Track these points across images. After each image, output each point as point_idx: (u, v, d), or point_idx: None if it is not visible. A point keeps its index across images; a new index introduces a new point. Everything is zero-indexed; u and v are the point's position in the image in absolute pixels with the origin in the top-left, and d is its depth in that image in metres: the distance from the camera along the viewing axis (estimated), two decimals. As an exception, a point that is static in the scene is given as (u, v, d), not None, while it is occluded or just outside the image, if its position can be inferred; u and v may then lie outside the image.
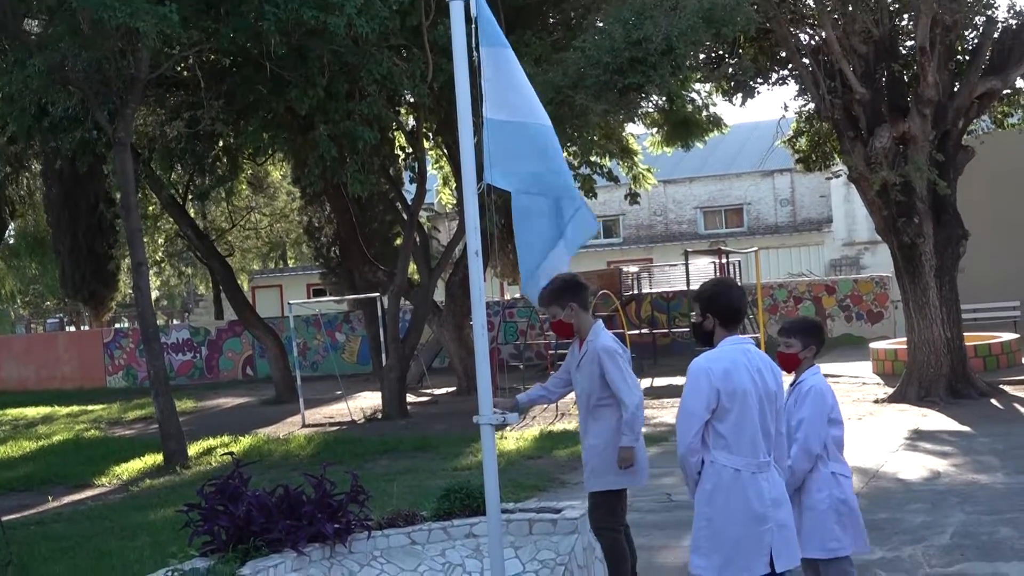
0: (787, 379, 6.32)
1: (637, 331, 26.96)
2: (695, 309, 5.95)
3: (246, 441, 18.88)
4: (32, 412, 28.06)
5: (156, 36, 14.89)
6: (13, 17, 16.28)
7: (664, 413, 18.99)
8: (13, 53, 16.41)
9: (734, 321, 5.81)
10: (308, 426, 21.10)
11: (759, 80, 20.45)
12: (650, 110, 24.82)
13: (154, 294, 41.21)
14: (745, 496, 5.62)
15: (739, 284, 6.01)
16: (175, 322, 51.93)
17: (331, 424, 21.33)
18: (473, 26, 6.12)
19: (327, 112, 17.78)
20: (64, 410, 27.97)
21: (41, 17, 17.47)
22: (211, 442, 18.96)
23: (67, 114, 18.56)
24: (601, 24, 18.88)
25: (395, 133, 23.86)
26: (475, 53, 6.16)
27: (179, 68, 19.57)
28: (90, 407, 28.18)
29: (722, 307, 5.78)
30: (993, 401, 17.78)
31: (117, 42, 15.65)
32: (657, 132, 26.65)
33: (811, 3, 18.93)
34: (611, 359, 7.15)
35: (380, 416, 21.55)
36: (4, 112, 18.40)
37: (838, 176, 22.33)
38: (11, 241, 43.07)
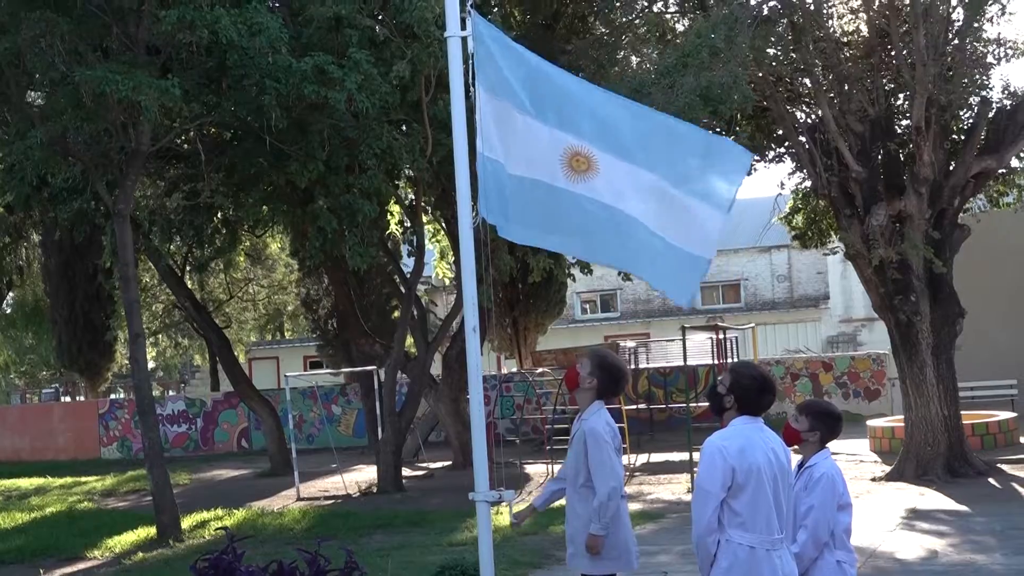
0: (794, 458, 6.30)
1: (634, 406, 26.89)
2: (725, 379, 5.96)
3: (240, 514, 18.75)
4: (26, 483, 27.89)
5: (158, 110, 15.01)
6: (17, 89, 16.42)
7: (660, 489, 18.89)
8: (15, 124, 16.54)
9: (752, 414, 5.85)
10: (303, 499, 20.97)
11: (756, 157, 20.60)
12: (648, 186, 24.91)
13: (151, 365, 41.16)
14: (760, 573, 5.60)
15: (774, 387, 5.99)
16: (171, 393, 51.78)
17: (326, 498, 21.19)
18: (470, 64, 6.21)
19: (327, 185, 17.87)
20: (58, 481, 27.80)
21: (44, 89, 17.62)
22: (205, 515, 18.82)
23: (67, 185, 18.66)
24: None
25: (392, 207, 23.96)
26: (471, 89, 6.23)
27: (180, 141, 19.70)
28: (84, 478, 28.01)
29: (747, 400, 5.84)
30: (991, 480, 17.70)
31: (119, 115, 15.76)
32: (655, 208, 26.74)
33: (807, 82, 19.12)
34: (595, 443, 6.98)
35: (375, 490, 21.42)
36: (3, 182, 18.50)
37: (835, 252, 22.41)
38: (8, 311, 43.10)
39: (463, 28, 6.32)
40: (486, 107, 6.27)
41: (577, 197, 6.27)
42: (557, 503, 7.37)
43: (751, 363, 6.14)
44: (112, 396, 46.62)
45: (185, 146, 20.13)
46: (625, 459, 22.83)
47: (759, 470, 5.63)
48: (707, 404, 6.12)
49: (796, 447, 6.63)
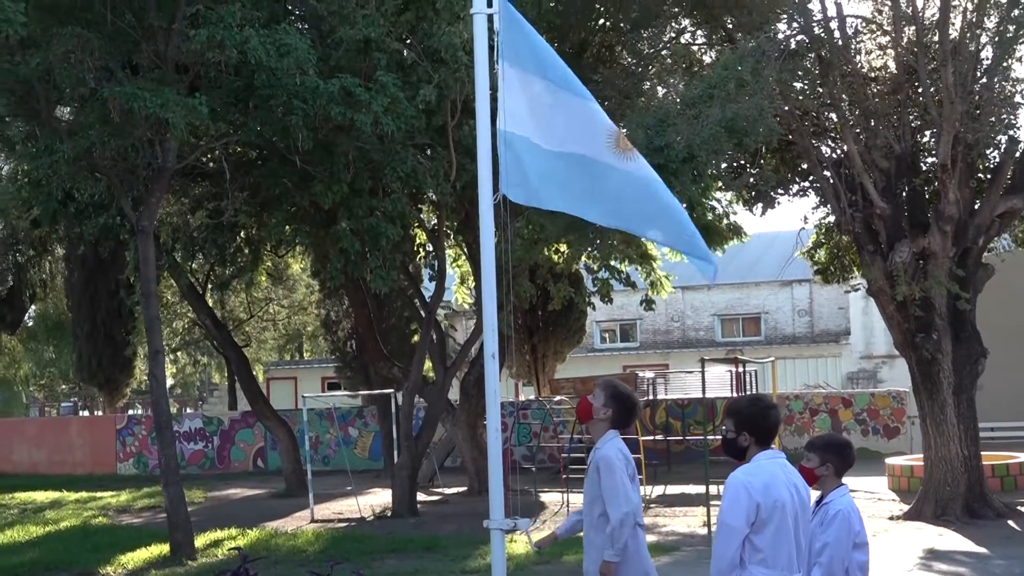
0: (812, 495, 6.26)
1: (651, 437, 26.77)
2: (728, 424, 5.91)
3: (253, 534, 18.73)
4: (41, 497, 27.93)
5: (184, 127, 15.09)
6: (46, 104, 16.52)
7: (676, 522, 18.78)
8: (43, 139, 16.64)
9: (769, 439, 5.81)
10: (317, 521, 20.93)
11: (780, 191, 20.56)
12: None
13: (169, 382, 41.24)
14: None
15: (774, 403, 5.97)
16: (188, 411, 51.87)
17: (340, 520, 21.16)
18: (496, 38, 6.18)
19: (351, 207, 17.90)
20: (73, 496, 27.83)
21: (73, 105, 17.73)
22: (219, 534, 18.80)
23: (92, 200, 18.74)
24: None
25: (416, 230, 24.00)
26: (496, 65, 6.20)
27: (205, 159, 19.78)
28: (99, 493, 28.04)
29: (759, 427, 5.80)
30: (1010, 522, 17.53)
31: (146, 131, 15.85)
32: (677, 239, 26.65)
33: (834, 117, 19.08)
34: (608, 469, 6.96)
35: (390, 514, 21.37)
36: (30, 196, 18.60)
37: (857, 290, 22.32)
38: (30, 324, 43.28)
39: (489, 5, 6.28)
40: (513, 82, 6.20)
41: (626, 174, 6.19)
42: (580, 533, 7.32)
43: (741, 395, 6.14)
44: (130, 412, 46.71)
45: (210, 164, 20.21)
46: (641, 490, 22.72)
47: (783, 506, 5.59)
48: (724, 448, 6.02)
49: (816, 485, 6.59)
